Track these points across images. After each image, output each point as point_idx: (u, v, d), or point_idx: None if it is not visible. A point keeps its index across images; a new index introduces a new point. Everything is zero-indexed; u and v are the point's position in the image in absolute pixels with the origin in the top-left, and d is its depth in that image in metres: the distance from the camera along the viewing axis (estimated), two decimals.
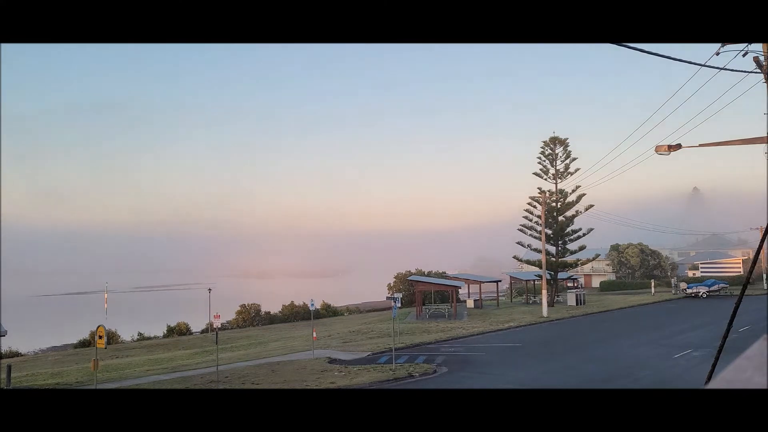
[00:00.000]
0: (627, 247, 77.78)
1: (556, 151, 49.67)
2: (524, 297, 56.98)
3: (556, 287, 49.88)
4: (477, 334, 31.91)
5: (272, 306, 59.95)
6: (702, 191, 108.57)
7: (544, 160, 50.23)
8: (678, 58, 9.67)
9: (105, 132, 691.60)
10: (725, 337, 5.64)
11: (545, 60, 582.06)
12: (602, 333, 31.63)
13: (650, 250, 78.91)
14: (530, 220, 49.97)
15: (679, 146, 13.86)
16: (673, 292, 57.84)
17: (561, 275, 51.05)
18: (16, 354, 41.06)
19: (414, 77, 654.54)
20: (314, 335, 26.41)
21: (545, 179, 50.30)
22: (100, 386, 20.73)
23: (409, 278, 57.95)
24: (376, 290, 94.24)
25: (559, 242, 49.28)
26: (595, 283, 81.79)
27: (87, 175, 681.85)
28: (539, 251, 46.48)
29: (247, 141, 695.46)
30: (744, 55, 10.83)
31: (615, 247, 80.00)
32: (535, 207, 49.23)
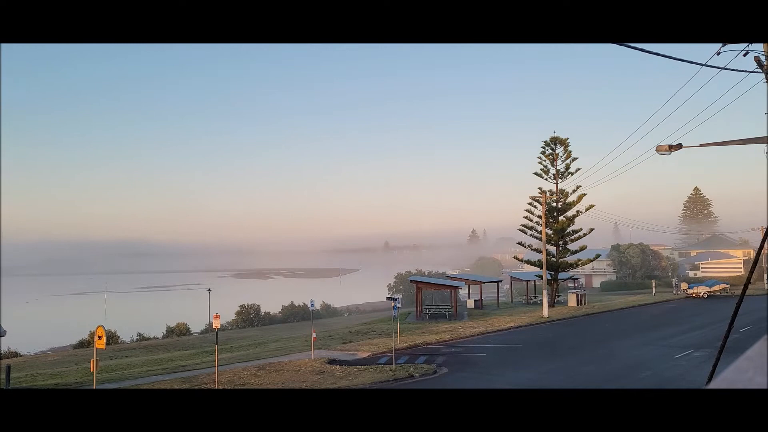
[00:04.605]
0: (628, 247, 77.74)
1: (557, 151, 49.66)
2: (525, 297, 56.96)
3: (556, 287, 49.84)
4: (477, 335, 31.90)
5: (272, 306, 59.97)
6: (703, 191, 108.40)
7: (545, 160, 50.21)
8: (679, 57, 9.68)
9: (105, 132, 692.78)
10: (726, 337, 5.64)
11: (545, 60, 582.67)
12: (603, 333, 31.62)
13: (651, 250, 78.85)
14: (531, 220, 49.97)
15: (679, 146, 13.85)
16: (674, 292, 57.81)
17: (561, 275, 51.00)
18: (16, 354, 41.04)
19: (414, 77, 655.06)
20: (314, 336, 26.41)
21: (546, 179, 50.29)
22: (99, 387, 20.72)
23: (410, 278, 57.94)
24: (376, 290, 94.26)
25: (560, 242, 49.25)
26: (596, 283, 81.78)
27: (87, 174, 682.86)
28: (540, 251, 46.47)
29: (248, 141, 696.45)
30: (745, 55, 10.83)
31: (616, 247, 79.96)
32: (535, 207, 49.22)
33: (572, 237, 49.09)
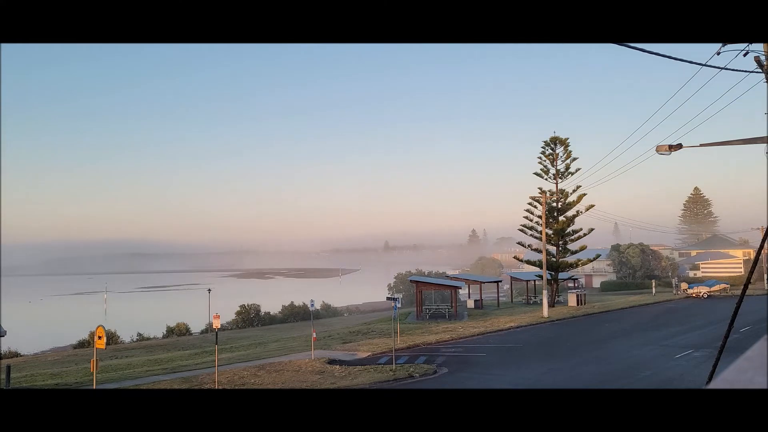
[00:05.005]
0: (628, 247, 77.70)
1: (557, 151, 49.65)
2: (525, 297, 56.97)
3: (556, 287, 49.83)
4: (477, 335, 31.89)
5: (272, 306, 59.95)
6: (703, 191, 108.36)
7: (545, 160, 50.20)
8: (679, 57, 9.68)
9: (106, 132, 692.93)
10: (726, 337, 5.64)
11: (545, 60, 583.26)
12: (603, 333, 31.61)
13: (651, 250, 78.82)
14: (530, 220, 49.96)
15: (679, 146, 13.84)
16: (674, 292, 57.79)
17: (562, 275, 50.99)
18: (16, 354, 41.02)
19: (414, 77, 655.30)
20: (314, 336, 26.40)
21: (546, 179, 50.28)
22: (99, 387, 20.72)
23: (410, 278, 57.92)
24: (376, 291, 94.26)
25: (560, 242, 49.24)
26: (596, 283, 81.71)
27: (87, 174, 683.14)
28: (540, 251, 46.46)
29: (248, 140, 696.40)
30: (745, 55, 10.82)
31: (616, 248, 79.92)
32: (535, 207, 49.21)
33: (572, 237, 49.09)
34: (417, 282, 48.32)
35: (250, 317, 55.53)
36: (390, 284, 79.28)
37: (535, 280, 52.35)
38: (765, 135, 10.78)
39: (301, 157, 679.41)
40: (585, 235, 49.09)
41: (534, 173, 50.30)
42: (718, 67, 11.12)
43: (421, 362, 23.71)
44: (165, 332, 51.29)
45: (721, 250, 79.93)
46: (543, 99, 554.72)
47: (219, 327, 21.95)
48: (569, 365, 22.30)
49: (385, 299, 50.66)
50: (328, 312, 62.04)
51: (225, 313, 40.71)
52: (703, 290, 53.57)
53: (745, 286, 5.96)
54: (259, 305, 57.37)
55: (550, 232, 47.16)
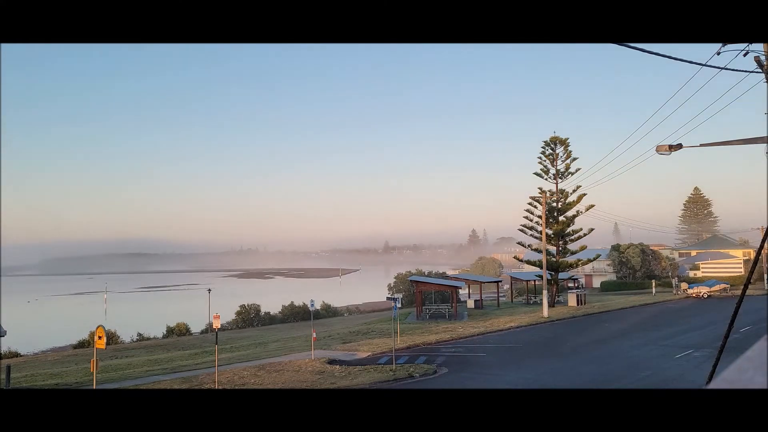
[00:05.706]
0: (628, 247, 77.66)
1: (557, 151, 49.65)
2: (525, 297, 56.94)
3: (556, 287, 49.83)
4: (477, 335, 31.89)
5: (272, 306, 59.94)
6: (703, 191, 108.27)
7: (545, 160, 50.20)
8: (679, 57, 9.67)
9: (105, 131, 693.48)
10: (726, 337, 5.63)
11: (545, 60, 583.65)
12: (603, 333, 31.61)
13: (651, 250, 78.79)
14: (531, 220, 49.96)
15: (679, 146, 13.84)
16: (674, 292, 57.78)
17: (562, 275, 50.97)
18: (16, 354, 41.01)
19: (413, 78, 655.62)
20: (314, 336, 26.39)
21: (546, 179, 50.29)
22: (99, 387, 20.71)
23: (410, 278, 57.93)
24: (376, 291, 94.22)
25: (560, 242, 49.25)
26: (596, 283, 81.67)
27: (87, 174, 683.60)
28: (540, 251, 46.46)
29: (247, 141, 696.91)
30: (745, 55, 10.82)
31: (616, 247, 79.87)
32: (535, 207, 49.21)
33: (572, 237, 49.08)
34: (417, 282, 48.30)
35: (250, 317, 55.51)
36: (390, 284, 79.21)
37: (535, 280, 52.33)
38: (765, 135, 10.78)
39: (301, 156, 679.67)
40: (585, 235, 49.09)
41: (534, 173, 50.34)
42: (718, 67, 11.12)
43: (421, 362, 23.71)
44: (165, 332, 51.28)
45: (721, 250, 79.84)
46: (543, 99, 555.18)
47: (219, 327, 21.95)
48: (569, 365, 22.30)
49: (385, 299, 50.65)
50: (328, 312, 62.00)
51: (225, 313, 40.71)
52: (703, 290, 53.56)
53: (745, 286, 5.96)
54: (259, 305, 57.33)
55: (550, 232, 47.16)
